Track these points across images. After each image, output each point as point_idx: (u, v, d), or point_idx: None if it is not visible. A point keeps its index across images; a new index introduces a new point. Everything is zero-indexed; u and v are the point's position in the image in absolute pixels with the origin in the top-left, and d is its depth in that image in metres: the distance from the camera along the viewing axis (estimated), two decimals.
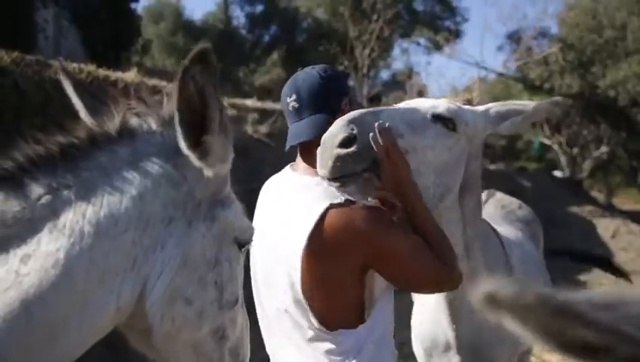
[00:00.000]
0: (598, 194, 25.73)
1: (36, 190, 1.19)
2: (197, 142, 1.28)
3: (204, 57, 1.20)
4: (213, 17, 31.09)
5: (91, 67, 6.47)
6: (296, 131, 1.96)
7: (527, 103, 2.22)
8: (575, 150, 26.43)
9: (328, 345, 1.87)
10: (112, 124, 1.31)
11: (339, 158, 1.75)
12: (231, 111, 9.77)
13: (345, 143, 1.75)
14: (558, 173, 25.89)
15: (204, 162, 1.30)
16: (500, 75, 27.89)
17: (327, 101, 1.94)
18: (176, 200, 1.29)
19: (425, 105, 2.01)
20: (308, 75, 1.98)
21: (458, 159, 2.00)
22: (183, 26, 28.71)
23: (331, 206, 1.80)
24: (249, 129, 9.11)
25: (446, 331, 2.35)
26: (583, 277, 10.90)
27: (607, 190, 27.68)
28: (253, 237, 1.51)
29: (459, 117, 2.00)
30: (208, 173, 1.32)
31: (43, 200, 1.18)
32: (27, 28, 11.43)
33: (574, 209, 17.86)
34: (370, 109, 1.86)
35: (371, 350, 1.89)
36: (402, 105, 2.04)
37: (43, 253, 1.15)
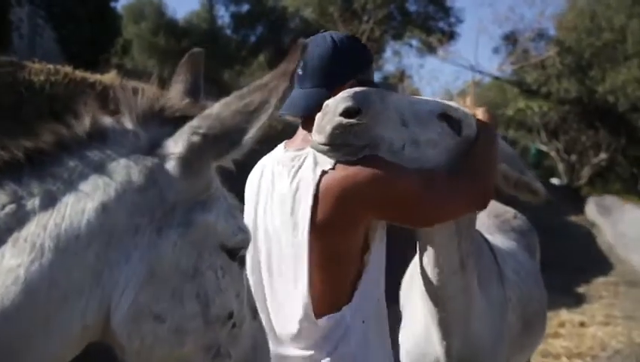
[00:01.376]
0: None
1: (1, 198, 1.16)
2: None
3: (291, 77, 1.23)
4: (197, 17, 31.07)
5: (68, 68, 6.42)
6: (292, 101, 1.93)
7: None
8: (573, 157, 26.66)
9: (313, 336, 1.85)
10: (82, 126, 1.26)
11: (340, 126, 1.74)
12: None
13: (347, 114, 1.74)
14: (555, 181, 26.07)
15: (192, 172, 1.27)
16: (496, 78, 28.08)
17: (331, 76, 1.91)
18: (142, 206, 1.22)
19: (433, 101, 2.03)
20: (323, 42, 1.94)
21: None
22: (165, 26, 28.64)
23: (324, 172, 1.79)
24: None
25: (436, 347, 2.34)
26: (581, 289, 10.95)
27: None
28: (247, 242, 1.40)
29: (466, 120, 2.01)
30: (188, 180, 1.27)
31: (7, 210, 1.15)
32: (1, 27, 11.36)
33: (572, 218, 17.97)
34: (376, 90, 1.85)
35: (359, 331, 1.86)
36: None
37: (4, 269, 1.11)
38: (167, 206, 1.25)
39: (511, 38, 26.87)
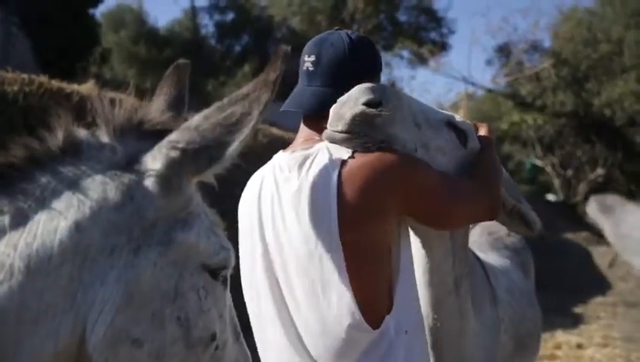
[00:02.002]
0: None
1: None
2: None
3: (274, 87, 1.22)
4: (180, 25, 31.12)
5: (43, 78, 6.39)
6: (299, 98, 1.94)
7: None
8: (569, 172, 26.83)
9: (351, 352, 1.74)
10: (55, 140, 1.24)
11: (362, 114, 1.73)
12: None
13: (370, 105, 1.74)
14: (551, 197, 26.23)
15: (170, 188, 1.25)
16: (489, 91, 28.30)
17: (343, 78, 1.89)
18: (118, 225, 1.20)
19: (439, 110, 2.06)
20: (337, 42, 1.94)
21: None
22: (146, 35, 28.63)
23: (344, 161, 1.75)
24: None
25: None
26: (578, 309, 10.99)
27: None
28: (230, 261, 1.38)
29: (471, 134, 2.05)
30: (167, 197, 1.25)
31: None
32: None
33: (569, 235, 18.06)
34: (391, 88, 1.87)
35: (404, 346, 1.77)
36: None
37: None
38: (146, 224, 1.23)
39: (504, 50, 27.12)
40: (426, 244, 2.10)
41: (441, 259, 2.10)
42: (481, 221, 2.18)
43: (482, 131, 2.14)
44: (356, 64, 1.92)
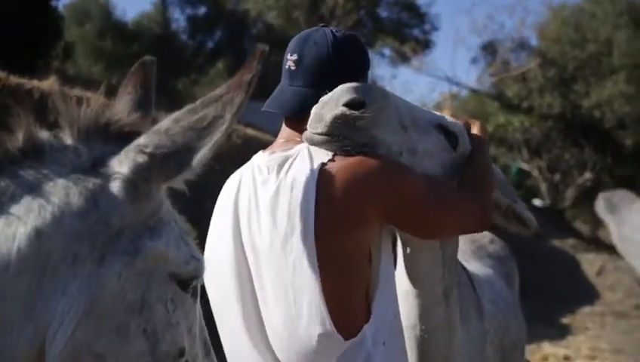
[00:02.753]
0: (583, 226, 26.32)
1: None
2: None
3: (249, 88, 1.20)
4: (149, 19, 30.98)
5: (2, 73, 6.33)
6: (280, 97, 1.94)
7: None
8: (557, 176, 27.13)
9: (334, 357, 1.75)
10: (15, 141, 1.22)
11: (342, 116, 1.73)
12: None
13: (352, 105, 1.74)
14: (538, 202, 26.48)
15: (137, 193, 1.23)
16: (474, 91, 28.53)
17: (326, 79, 1.88)
18: (82, 232, 1.18)
19: (429, 111, 2.05)
20: (321, 39, 1.93)
21: None
22: (112, 28, 28.46)
23: (323, 164, 1.75)
24: None
25: None
26: (565, 320, 11.10)
27: (593, 221, 28.36)
28: (201, 271, 1.37)
29: (462, 136, 2.04)
30: (134, 204, 1.24)
31: None
32: None
33: (556, 242, 18.26)
34: (378, 87, 1.88)
35: (381, 357, 1.79)
36: None
37: None
38: (111, 232, 1.22)
39: (490, 48, 27.38)
40: (414, 253, 2.10)
41: (431, 268, 2.10)
42: (470, 232, 2.14)
43: (474, 129, 2.13)
44: (340, 63, 1.92)
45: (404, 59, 27.37)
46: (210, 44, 31.02)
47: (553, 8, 26.47)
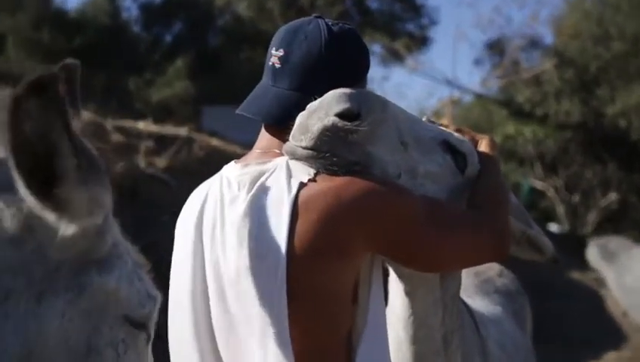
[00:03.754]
0: None
1: None
2: (47, 194, 1.17)
3: (46, 86, 1.12)
4: (95, 8, 30.90)
5: None
6: (260, 101, 1.93)
7: None
8: (576, 197, 27.27)
9: None
10: None
11: (333, 128, 1.70)
12: (116, 137, 9.63)
13: (345, 116, 1.70)
14: (554, 227, 26.60)
15: (61, 218, 1.20)
16: (478, 96, 28.71)
17: (317, 81, 1.87)
18: (15, 264, 1.18)
19: (433, 125, 2.04)
20: (313, 34, 1.90)
21: None
22: (50, 18, 28.38)
23: (302, 184, 1.73)
24: (141, 161, 9.04)
25: None
26: None
27: None
28: (155, 310, 1.38)
29: (471, 156, 2.03)
30: (68, 230, 1.21)
31: None
32: None
33: (575, 275, 18.35)
34: (376, 95, 1.84)
35: None
36: None
37: None
38: (51, 264, 1.21)
39: (497, 47, 27.58)
40: (409, 291, 2.09)
41: (429, 310, 2.09)
42: (482, 262, 2.13)
43: (483, 146, 2.13)
44: (335, 64, 1.91)
45: (397, 58, 27.52)
46: (168, 38, 31.03)
47: (570, 1, 26.77)
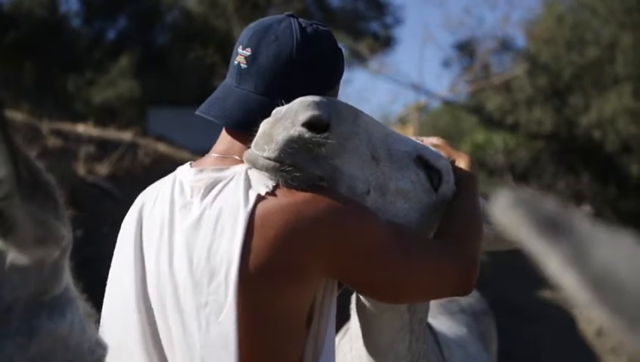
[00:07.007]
0: None
1: None
2: None
3: None
4: (31, 1, 30.55)
5: None
6: (222, 103, 1.92)
7: None
8: None
9: None
10: None
11: (299, 140, 1.69)
12: (52, 141, 9.52)
13: (313, 126, 1.70)
14: None
15: (6, 239, 1.17)
16: (446, 102, 28.91)
17: (286, 86, 1.87)
18: None
19: (407, 138, 2.04)
20: (285, 35, 1.89)
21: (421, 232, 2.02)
22: None
23: (260, 197, 1.72)
24: (80, 168, 8.96)
25: None
26: None
27: None
28: (103, 360, 1.36)
29: (446, 174, 2.04)
30: (19, 260, 1.19)
31: None
32: None
33: (546, 294, 18.55)
34: (347, 104, 1.83)
35: None
36: None
37: None
38: (2, 304, 1.19)
39: (466, 49, 27.81)
40: (376, 315, 2.10)
41: (395, 336, 2.11)
42: (448, 295, 2.12)
43: (461, 163, 2.13)
44: (306, 68, 1.90)
45: (359, 59, 27.60)
46: (111, 34, 30.74)
47: (545, 2, 27.12)
